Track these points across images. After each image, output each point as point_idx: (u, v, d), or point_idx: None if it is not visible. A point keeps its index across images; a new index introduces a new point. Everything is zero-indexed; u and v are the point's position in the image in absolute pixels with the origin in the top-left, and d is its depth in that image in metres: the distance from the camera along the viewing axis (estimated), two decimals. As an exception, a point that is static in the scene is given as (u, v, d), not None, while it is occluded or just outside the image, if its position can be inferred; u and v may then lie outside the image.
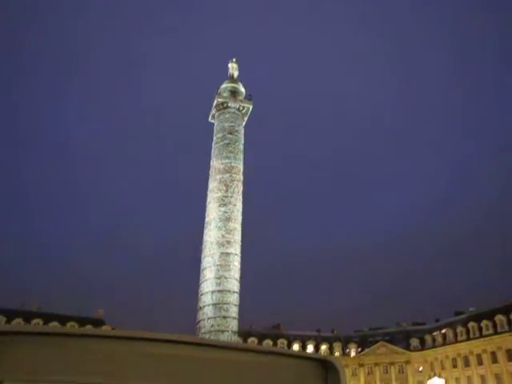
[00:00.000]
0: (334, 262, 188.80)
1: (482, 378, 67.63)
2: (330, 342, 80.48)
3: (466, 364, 71.47)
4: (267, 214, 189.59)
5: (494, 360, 65.75)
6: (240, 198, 54.19)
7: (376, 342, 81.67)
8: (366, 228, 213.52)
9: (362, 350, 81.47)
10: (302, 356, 3.40)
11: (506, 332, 65.48)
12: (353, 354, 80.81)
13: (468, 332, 72.29)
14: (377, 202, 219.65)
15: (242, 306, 52.71)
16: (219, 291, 47.77)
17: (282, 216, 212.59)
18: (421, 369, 78.59)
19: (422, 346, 79.84)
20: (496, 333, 67.22)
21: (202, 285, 49.62)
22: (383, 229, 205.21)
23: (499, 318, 67.30)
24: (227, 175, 53.80)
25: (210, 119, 62.41)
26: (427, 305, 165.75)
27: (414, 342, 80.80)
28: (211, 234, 50.62)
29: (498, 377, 64.74)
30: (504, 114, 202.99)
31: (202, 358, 2.92)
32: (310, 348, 78.35)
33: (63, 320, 62.57)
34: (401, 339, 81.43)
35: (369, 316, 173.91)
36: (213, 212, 51.97)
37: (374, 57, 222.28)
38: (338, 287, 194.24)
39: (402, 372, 79.44)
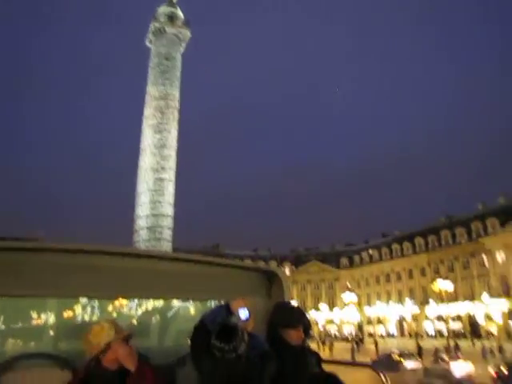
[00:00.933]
0: (270, 186, 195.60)
1: (399, 292, 75.18)
2: (266, 260, 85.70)
3: (388, 280, 78.89)
4: (208, 143, 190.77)
5: (410, 276, 72.89)
6: (175, 125, 54.80)
7: (309, 260, 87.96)
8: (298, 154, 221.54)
9: (296, 268, 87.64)
10: (247, 267, 3.69)
11: (422, 252, 72.26)
12: (287, 271, 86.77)
13: (391, 252, 79.04)
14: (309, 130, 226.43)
15: (182, 230, 55.54)
16: (153, 215, 49.95)
17: (222, 146, 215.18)
18: (348, 285, 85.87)
19: (351, 264, 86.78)
20: (414, 253, 74.03)
21: (137, 209, 51.63)
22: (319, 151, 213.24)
23: (418, 240, 73.81)
24: (162, 102, 54.02)
25: (147, 43, 61.31)
26: (359, 228, 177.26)
27: (344, 261, 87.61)
28: (146, 160, 51.79)
29: (411, 290, 72.21)
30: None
31: (153, 270, 3.00)
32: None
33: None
34: (332, 259, 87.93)
35: (304, 237, 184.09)
36: (148, 139, 52.73)
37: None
38: (276, 210, 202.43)
39: (331, 288, 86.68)
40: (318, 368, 2.84)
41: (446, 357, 27.55)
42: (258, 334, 2.69)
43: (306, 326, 2.89)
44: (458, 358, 26.99)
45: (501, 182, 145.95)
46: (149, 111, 54.22)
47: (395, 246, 78.23)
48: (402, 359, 29.57)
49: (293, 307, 3.02)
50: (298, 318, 2.87)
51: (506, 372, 20.99)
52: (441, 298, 65.39)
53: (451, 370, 24.45)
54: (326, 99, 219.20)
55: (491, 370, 22.68)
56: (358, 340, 58.93)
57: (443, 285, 33.94)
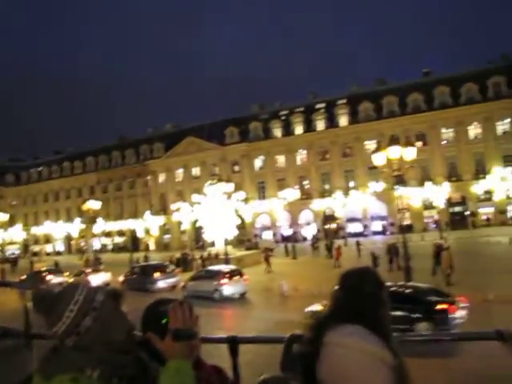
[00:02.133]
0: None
1: (69, 210, 75.08)
2: None
3: (57, 198, 77.53)
4: None
5: (80, 194, 73.16)
6: None
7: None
8: None
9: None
10: None
11: (93, 171, 73.38)
12: None
13: (62, 170, 77.35)
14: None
15: None
16: None
17: None
18: (14, 202, 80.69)
19: (18, 181, 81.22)
20: (85, 172, 74.50)
21: None
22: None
23: (89, 159, 74.39)
24: None
25: None
26: (29, 143, 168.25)
27: (10, 177, 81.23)
28: None
29: (80, 209, 72.90)
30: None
31: None
32: None
33: None
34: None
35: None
36: None
37: None
38: None
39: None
40: None
41: (88, 269, 29.65)
42: None
43: None
44: (99, 270, 29.42)
45: (168, 111, 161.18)
46: None
47: (66, 164, 76.82)
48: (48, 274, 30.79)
49: None
50: None
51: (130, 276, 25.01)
52: (108, 216, 68.84)
53: (89, 281, 26.53)
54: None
55: (121, 277, 26.42)
56: (14, 260, 57.12)
57: (93, 205, 35.81)
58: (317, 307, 13.73)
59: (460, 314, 11.83)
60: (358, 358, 1.59)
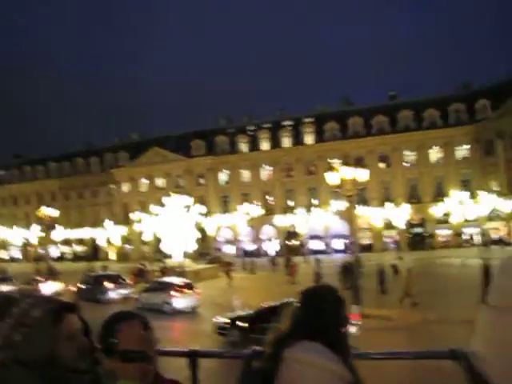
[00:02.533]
0: None
1: (27, 216, 72.86)
2: None
3: (15, 203, 75.40)
4: None
5: (40, 200, 71.11)
6: None
7: None
8: None
9: None
10: None
11: (55, 177, 71.90)
12: None
13: (22, 175, 75.39)
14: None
15: None
16: None
17: None
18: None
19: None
20: (47, 177, 72.94)
21: None
22: None
23: (51, 164, 72.96)
24: None
25: None
26: None
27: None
28: None
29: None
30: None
31: None
32: None
33: None
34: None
35: None
36: None
37: None
38: None
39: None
40: None
41: (39, 278, 28.92)
42: None
43: None
44: (50, 279, 28.76)
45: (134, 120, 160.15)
46: None
47: (27, 169, 74.99)
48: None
49: None
50: None
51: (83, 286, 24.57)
52: (68, 223, 67.35)
53: (39, 289, 25.83)
54: None
55: (74, 287, 25.94)
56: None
57: (49, 211, 35.16)
58: (223, 319, 14.58)
59: (351, 330, 12.27)
60: (316, 375, 1.59)
